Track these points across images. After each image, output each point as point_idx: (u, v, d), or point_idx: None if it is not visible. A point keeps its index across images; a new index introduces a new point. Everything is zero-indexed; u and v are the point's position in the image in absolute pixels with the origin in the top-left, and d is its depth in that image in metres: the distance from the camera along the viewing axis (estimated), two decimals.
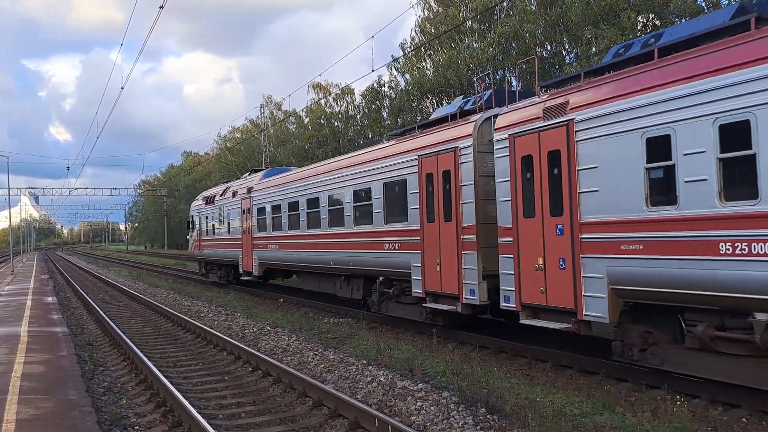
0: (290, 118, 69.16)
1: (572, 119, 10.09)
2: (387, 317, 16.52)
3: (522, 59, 36.13)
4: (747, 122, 7.72)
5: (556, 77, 15.55)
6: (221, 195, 29.47)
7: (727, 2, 26.56)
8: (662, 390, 9.30)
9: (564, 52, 35.92)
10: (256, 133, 74.80)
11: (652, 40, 10.14)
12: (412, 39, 46.51)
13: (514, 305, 11.29)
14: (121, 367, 12.57)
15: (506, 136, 11.48)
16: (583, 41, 31.12)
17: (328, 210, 18.52)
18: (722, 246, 7.95)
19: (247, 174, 29.32)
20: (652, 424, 7.81)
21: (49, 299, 24.24)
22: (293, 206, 21.11)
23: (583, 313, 9.87)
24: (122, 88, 29.30)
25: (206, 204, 31.69)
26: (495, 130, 11.84)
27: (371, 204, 16.13)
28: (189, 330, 16.66)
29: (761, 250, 7.57)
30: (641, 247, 8.96)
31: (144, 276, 41.94)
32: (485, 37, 38.91)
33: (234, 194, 27.45)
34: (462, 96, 16.60)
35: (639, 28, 29.79)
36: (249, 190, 25.49)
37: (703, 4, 28.10)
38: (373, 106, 52.82)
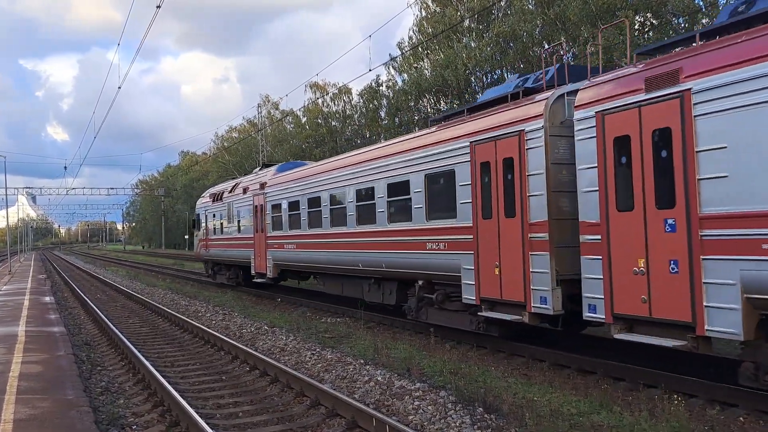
0: (288, 117, 69.14)
1: (688, 89, 8.38)
2: (426, 324, 14.64)
3: (518, 58, 36.21)
4: None
5: (650, 45, 12.86)
6: (230, 191, 27.71)
7: (725, 1, 26.56)
8: (659, 389, 9.30)
9: (562, 51, 35.94)
10: (253, 132, 74.77)
11: (742, 7, 8.97)
12: (410, 38, 46.57)
13: (603, 316, 9.49)
14: (118, 367, 12.56)
15: (592, 113, 9.71)
16: (581, 40, 31.13)
17: (356, 206, 16.77)
18: None
19: (257, 169, 27.72)
20: (650, 423, 7.82)
21: (47, 299, 24.21)
22: (314, 202, 19.34)
23: (705, 327, 8.14)
24: (119, 87, 29.30)
25: (214, 201, 29.93)
26: (576, 107, 10.08)
27: (409, 199, 14.35)
28: (186, 330, 16.65)
29: None
30: None
31: (141, 276, 41.92)
32: (483, 36, 38.95)
33: (245, 190, 25.61)
34: (519, 75, 14.58)
35: (636, 27, 29.83)
36: (262, 186, 23.72)
37: (701, 3, 28.13)
38: (371, 105, 52.85)
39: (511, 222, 11.43)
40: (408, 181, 14.40)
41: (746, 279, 7.71)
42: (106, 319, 17.76)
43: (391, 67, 48.41)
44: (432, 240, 13.59)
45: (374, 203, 15.80)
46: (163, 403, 9.43)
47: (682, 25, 28.33)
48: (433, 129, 14.21)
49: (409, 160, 14.39)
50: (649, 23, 30.42)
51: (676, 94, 8.58)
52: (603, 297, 9.47)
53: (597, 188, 9.62)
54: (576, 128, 10.05)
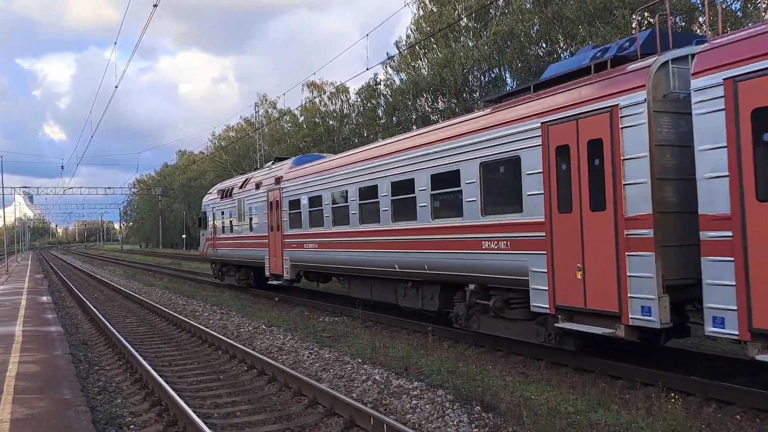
0: (285, 117, 69.16)
1: None
2: (476, 335, 13.19)
3: (516, 57, 36.24)
4: None
5: None
6: (241, 187, 25.89)
7: (721, 0, 26.59)
8: (656, 387, 9.31)
9: (559, 50, 36.01)
10: (250, 132, 74.76)
11: None
12: (408, 37, 46.59)
13: (736, 332, 7.88)
14: (116, 367, 12.55)
15: (719, 81, 8.11)
16: (578, 39, 31.18)
17: (391, 201, 14.96)
18: None
19: (270, 163, 25.71)
20: (647, 422, 7.84)
21: (44, 298, 24.17)
22: (340, 197, 17.58)
23: None
24: (116, 86, 29.26)
25: (222, 198, 28.03)
26: (694, 74, 8.45)
27: (460, 191, 12.60)
28: (184, 329, 16.64)
29: None
30: None
31: (139, 275, 41.89)
32: (480, 35, 38.99)
33: (258, 186, 23.79)
34: (594, 46, 12.60)
35: (633, 26, 29.86)
36: (278, 180, 21.93)
37: (698, 2, 28.16)
38: (369, 104, 52.85)
39: (600, 216, 9.67)
40: (458, 171, 12.63)
41: None
42: (103, 319, 17.74)
43: (388, 66, 48.46)
44: (489, 238, 11.89)
45: (414, 197, 14.07)
46: (160, 402, 9.43)
47: (680, 24, 28.34)
48: (488, 111, 12.42)
49: (460, 147, 12.61)
50: (646, 22, 30.41)
51: None
52: (736, 308, 7.83)
53: (727, 173, 7.97)
54: (695, 100, 8.43)
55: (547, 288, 10.53)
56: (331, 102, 62.89)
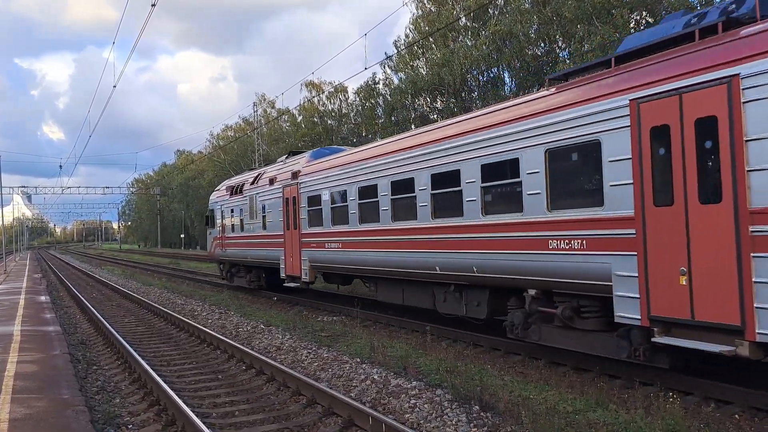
0: (284, 116, 69.18)
1: None
2: (536, 346, 11.64)
3: (515, 57, 36.28)
4: None
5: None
6: (252, 183, 24.41)
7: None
8: (655, 387, 9.34)
9: (557, 50, 36.05)
10: (249, 131, 74.79)
11: None
12: (407, 36, 46.61)
13: None
14: (114, 366, 12.54)
15: None
16: (576, 38, 31.21)
17: (431, 195, 13.45)
18: None
19: (284, 157, 24.02)
20: (645, 421, 7.84)
21: (42, 298, 24.16)
22: (368, 192, 15.96)
23: None
24: (114, 86, 29.24)
25: (232, 195, 26.46)
26: None
27: (518, 183, 11.08)
28: (182, 329, 16.63)
29: None
30: None
31: (137, 275, 41.88)
32: (479, 35, 39.03)
33: (272, 181, 22.30)
34: (684, 11, 10.49)
35: (632, 25, 29.89)
36: (295, 175, 20.45)
37: (695, 1, 28.18)
38: (368, 103, 52.87)
39: (713, 210, 8.10)
40: (517, 160, 11.08)
41: None
42: (101, 318, 17.73)
43: (386, 66, 48.48)
44: (558, 236, 10.25)
45: (460, 190, 12.49)
46: (159, 402, 9.42)
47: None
48: (552, 90, 10.81)
49: (519, 132, 11.04)
50: (644, 21, 30.47)
51: None
52: None
53: None
54: None
55: (637, 295, 8.90)
56: (330, 102, 62.94)
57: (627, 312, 9.05)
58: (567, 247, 10.07)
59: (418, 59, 44.87)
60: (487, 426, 7.83)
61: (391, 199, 14.90)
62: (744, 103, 7.74)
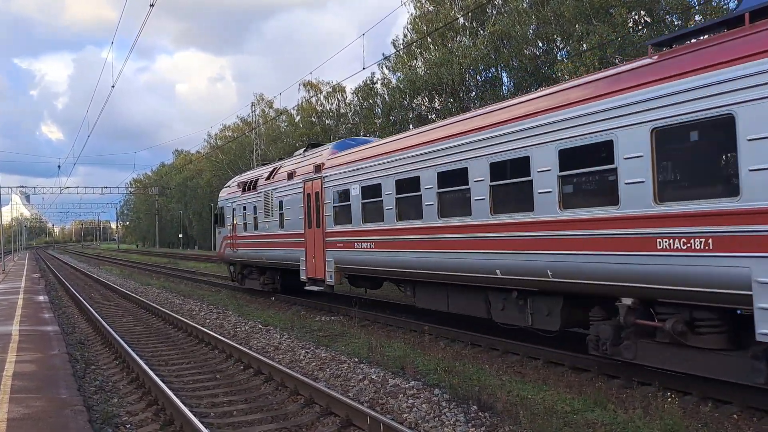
0: (282, 116, 69.19)
1: None
2: (631, 364, 9.82)
3: (513, 57, 36.30)
4: None
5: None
6: (268, 178, 22.72)
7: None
8: (653, 387, 9.34)
9: (555, 49, 36.08)
10: (247, 131, 74.80)
11: None
12: (405, 36, 46.61)
13: None
14: (112, 366, 12.53)
15: None
16: (575, 38, 31.21)
17: (490, 187, 11.57)
18: None
19: (302, 150, 22.16)
20: (644, 421, 7.85)
21: (41, 298, 24.14)
22: (408, 185, 14.13)
23: None
24: (113, 86, 29.15)
25: (244, 191, 24.73)
26: None
27: (612, 170, 9.16)
28: (181, 328, 16.63)
29: None
30: None
31: (135, 274, 41.86)
32: (477, 35, 39.05)
33: (290, 176, 20.62)
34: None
35: (630, 24, 29.92)
36: (317, 168, 18.71)
37: (694, 1, 28.20)
38: (366, 103, 52.86)
39: None
40: (611, 142, 9.14)
41: None
42: (100, 318, 17.72)
43: (384, 66, 48.47)
44: (671, 234, 8.39)
45: (529, 181, 10.66)
46: (157, 401, 9.42)
47: (676, 22, 28.40)
48: (654, 58, 8.92)
49: (611, 109, 9.14)
50: (642, 21, 30.48)
51: None
52: None
53: None
54: None
55: None
56: (328, 101, 62.94)
57: None
58: (684, 248, 8.23)
59: (416, 59, 44.88)
60: (485, 426, 7.83)
61: (438, 193, 13.11)
62: None
